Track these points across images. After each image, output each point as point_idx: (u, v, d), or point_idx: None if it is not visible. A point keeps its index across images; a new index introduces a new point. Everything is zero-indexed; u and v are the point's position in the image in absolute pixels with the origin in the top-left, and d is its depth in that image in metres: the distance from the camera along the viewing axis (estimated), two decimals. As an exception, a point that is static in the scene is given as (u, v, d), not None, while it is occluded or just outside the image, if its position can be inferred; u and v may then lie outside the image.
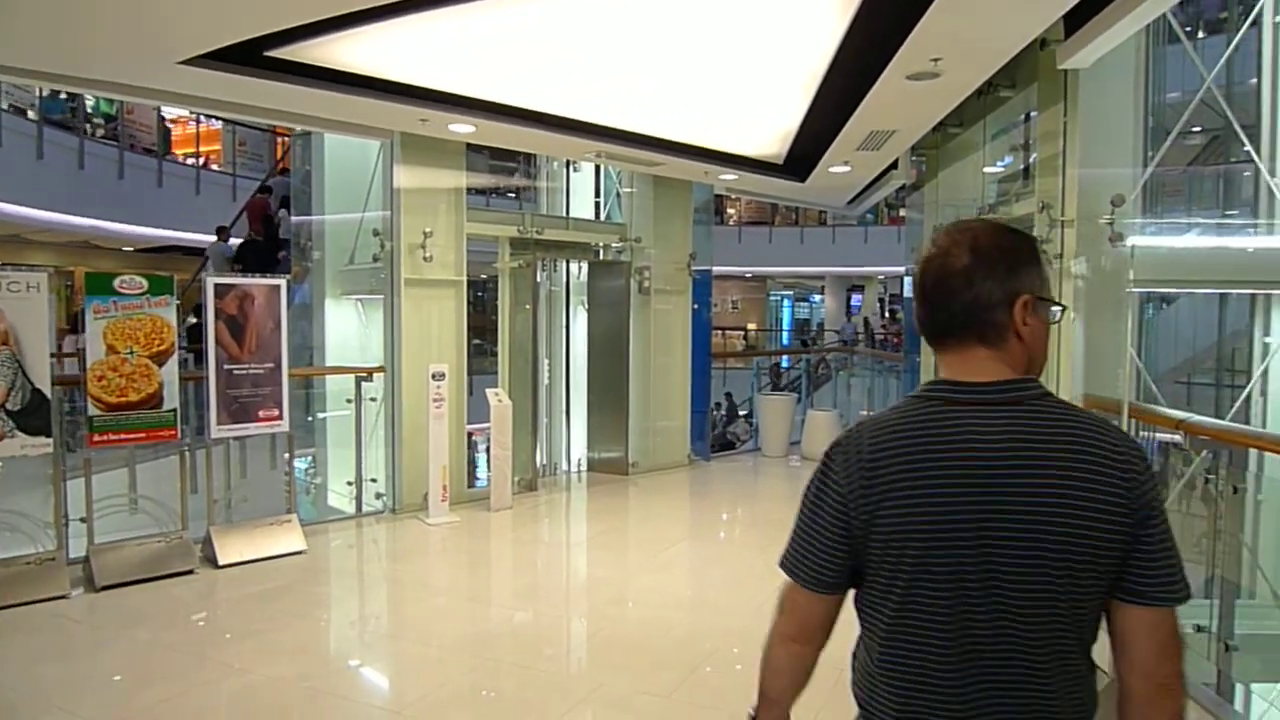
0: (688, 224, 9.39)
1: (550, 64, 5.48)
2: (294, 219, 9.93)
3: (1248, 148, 5.22)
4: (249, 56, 5.09)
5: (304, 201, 9.04)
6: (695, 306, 9.56)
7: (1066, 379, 4.91)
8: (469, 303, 7.69)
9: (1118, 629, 1.29)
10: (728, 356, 20.45)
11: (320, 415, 8.28)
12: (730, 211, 25.65)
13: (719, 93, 6.12)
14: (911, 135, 6.59)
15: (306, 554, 6.09)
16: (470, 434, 8.15)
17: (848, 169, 7.77)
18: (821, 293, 30.89)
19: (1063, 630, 1.26)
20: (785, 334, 33.04)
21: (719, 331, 24.77)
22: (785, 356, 21.67)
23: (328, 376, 7.98)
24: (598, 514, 7.84)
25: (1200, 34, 7.52)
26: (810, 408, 10.96)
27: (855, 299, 29.55)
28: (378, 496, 7.32)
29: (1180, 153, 7.12)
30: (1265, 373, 5.16)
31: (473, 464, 8.83)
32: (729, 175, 8.43)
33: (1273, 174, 5.19)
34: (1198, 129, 6.32)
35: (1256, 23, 5.52)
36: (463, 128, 6.59)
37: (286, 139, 13.19)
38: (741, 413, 15.21)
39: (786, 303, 34.00)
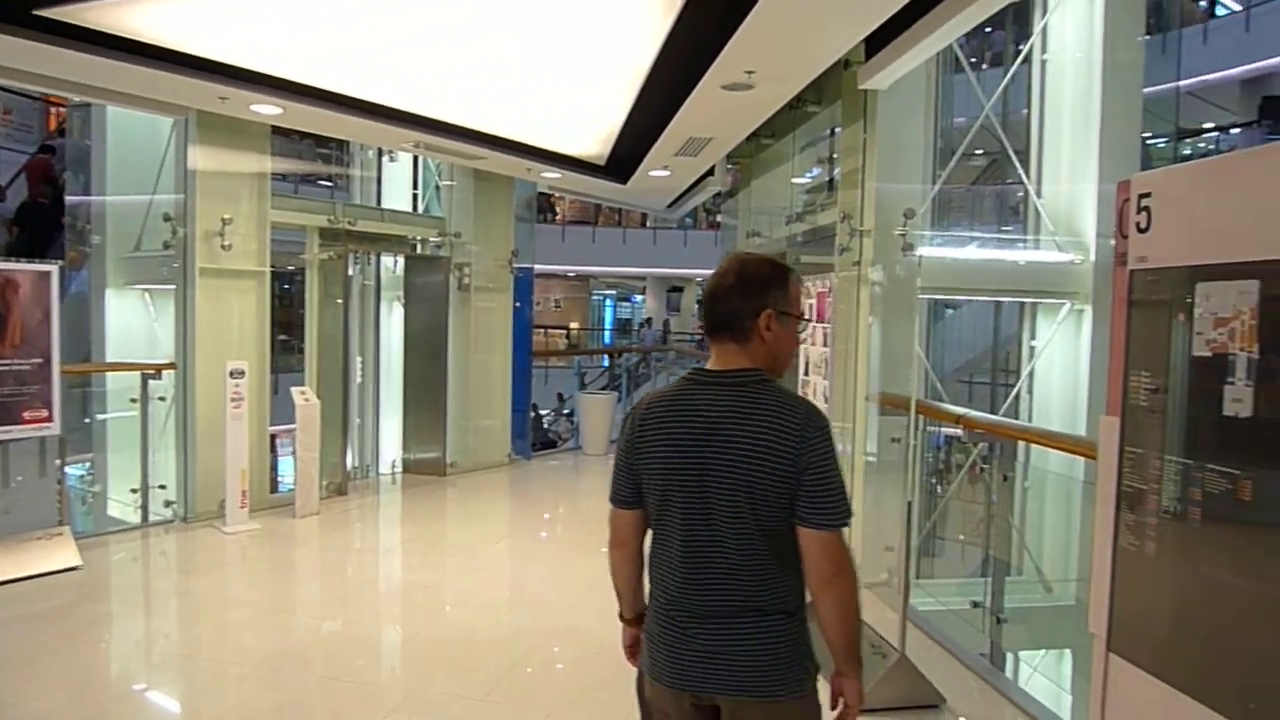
0: (510, 220, 9.29)
1: (368, 47, 5.25)
2: (69, 199, 8.95)
3: (1020, 171, 5.80)
4: (11, 13, 4.54)
5: (81, 179, 8.16)
6: (517, 304, 9.47)
7: (864, 377, 5.27)
8: (274, 296, 7.22)
9: (800, 545, 1.85)
10: (550, 355, 20.44)
11: (101, 417, 7.51)
12: (555, 210, 25.67)
13: (543, 90, 6.09)
14: (727, 143, 6.83)
15: (82, 570, 5.50)
16: (274, 436, 7.67)
17: (667, 173, 7.95)
18: (643, 293, 31.51)
19: (754, 539, 1.84)
20: (607, 333, 33.44)
21: (541, 330, 24.70)
22: (605, 356, 21.92)
23: (109, 374, 7.26)
24: (413, 517, 7.60)
25: (985, 66, 8.30)
26: (630, 405, 11.14)
27: (673, 300, 30.33)
28: (167, 505, 6.74)
29: (965, 172, 7.82)
30: (1032, 373, 5.75)
31: (276, 468, 8.31)
32: (552, 173, 8.41)
33: (1039, 195, 5.78)
34: (980, 151, 6.94)
35: (1028, 59, 6.13)
36: (267, 109, 6.18)
37: (62, 109, 11.87)
38: (564, 411, 15.25)
39: (609, 302, 34.42)
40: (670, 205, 10.34)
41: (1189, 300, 2.13)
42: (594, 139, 7.40)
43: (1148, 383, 2.28)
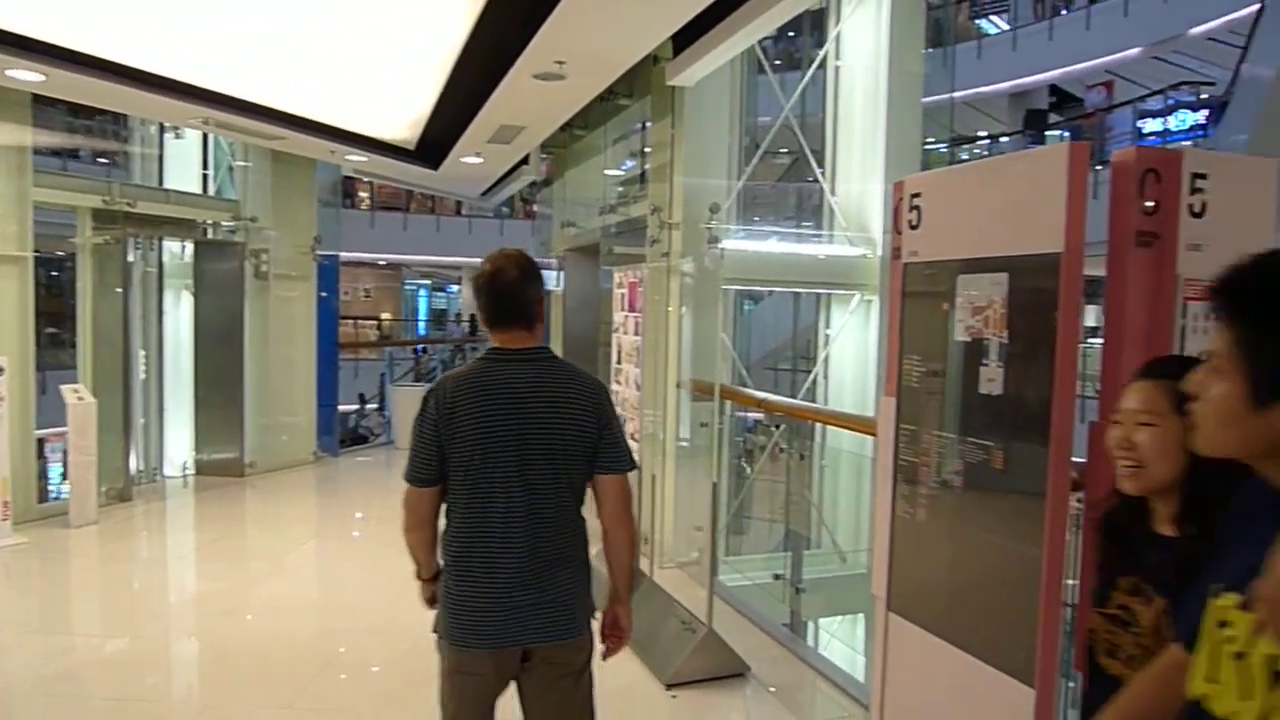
0: (312, 205, 8.82)
1: (148, 10, 4.81)
2: None
3: (815, 170, 6.17)
4: None
5: None
6: (322, 294, 9.02)
7: (674, 365, 5.45)
8: (40, 284, 6.50)
9: (597, 491, 2.18)
10: (359, 347, 19.62)
11: None
12: (362, 195, 24.58)
13: (347, 70, 5.83)
14: (540, 132, 6.82)
15: None
16: (42, 440, 6.90)
17: (480, 160, 7.83)
18: (459, 283, 30.84)
19: (565, 495, 2.13)
20: (422, 324, 32.50)
21: (350, 321, 23.64)
22: (419, 346, 21.31)
23: None
24: (208, 521, 7.09)
25: (791, 69, 8.69)
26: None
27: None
28: (-93, 520, 5.92)
29: (771, 170, 8.23)
30: (827, 359, 6.15)
31: (46, 475, 7.48)
32: (357, 156, 8.06)
33: (834, 193, 6.18)
34: (785, 150, 7.31)
35: (823, 65, 6.51)
36: (27, 75, 5.53)
37: None
38: (371, 406, 14.68)
39: (423, 292, 33.45)
40: (485, 193, 10.20)
41: (952, 291, 2.36)
42: (403, 122, 7.16)
43: (919, 366, 2.51)
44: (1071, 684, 2.27)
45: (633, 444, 4.63)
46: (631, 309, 4.61)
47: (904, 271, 2.55)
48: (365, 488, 8.42)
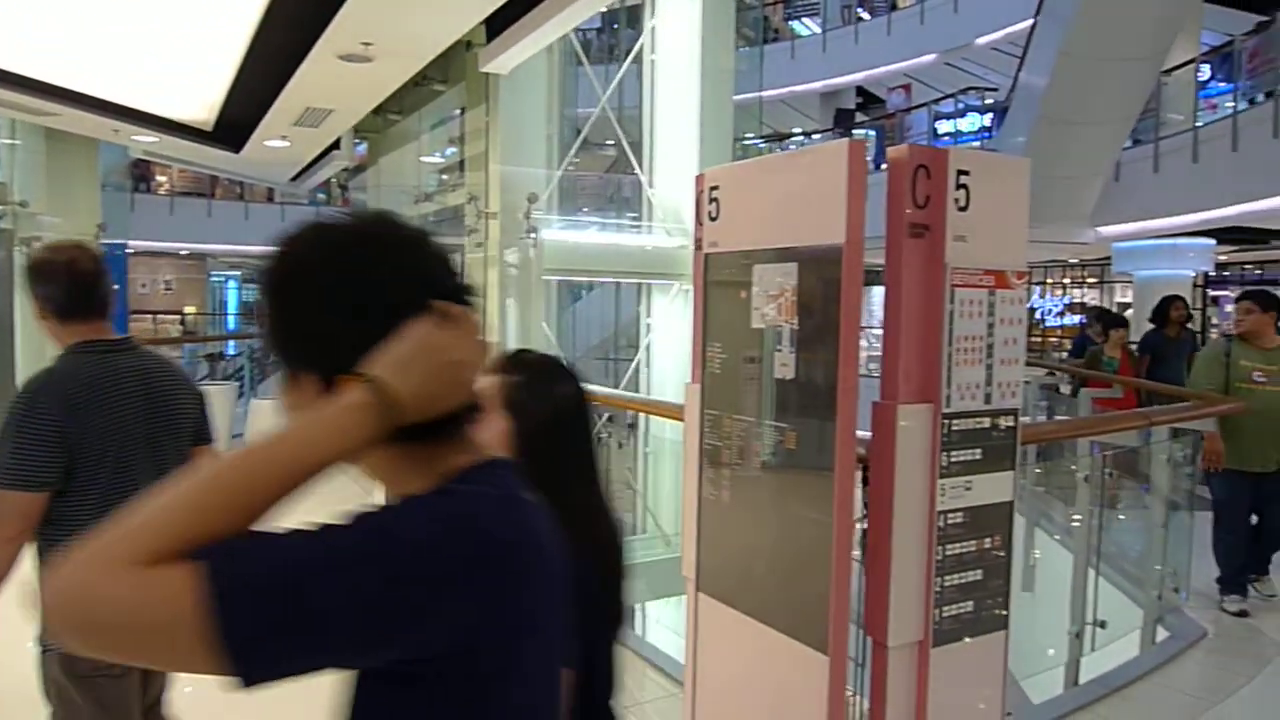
0: (95, 189, 8.05)
1: None
2: None
3: (633, 162, 6.25)
4: None
5: None
6: (113, 286, 8.24)
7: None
8: None
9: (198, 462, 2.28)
10: (160, 343, 18.14)
11: None
12: (161, 179, 22.68)
13: (128, 41, 5.33)
14: (350, 116, 6.53)
15: None
16: None
17: (286, 144, 7.41)
18: (272, 274, 29.04)
19: (179, 466, 2.20)
20: (232, 318, 30.46)
21: (147, 316, 21.82)
22: (231, 342, 19.95)
23: None
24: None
25: (616, 61, 8.73)
26: (255, 397, 10.28)
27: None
28: None
29: (598, 161, 8.26)
30: (649, 348, 6.27)
31: None
32: (147, 137, 7.42)
33: (651, 185, 6.28)
34: (611, 142, 7.36)
35: (639, 58, 6.60)
36: None
37: None
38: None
39: (233, 284, 31.35)
40: (294, 179, 9.66)
41: (748, 280, 2.45)
42: (198, 102, 6.65)
43: (721, 353, 2.59)
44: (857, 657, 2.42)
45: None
46: (447, 300, 4.49)
47: (705, 262, 2.62)
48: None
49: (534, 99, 5.70)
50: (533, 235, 4.29)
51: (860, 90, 24.44)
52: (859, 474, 2.27)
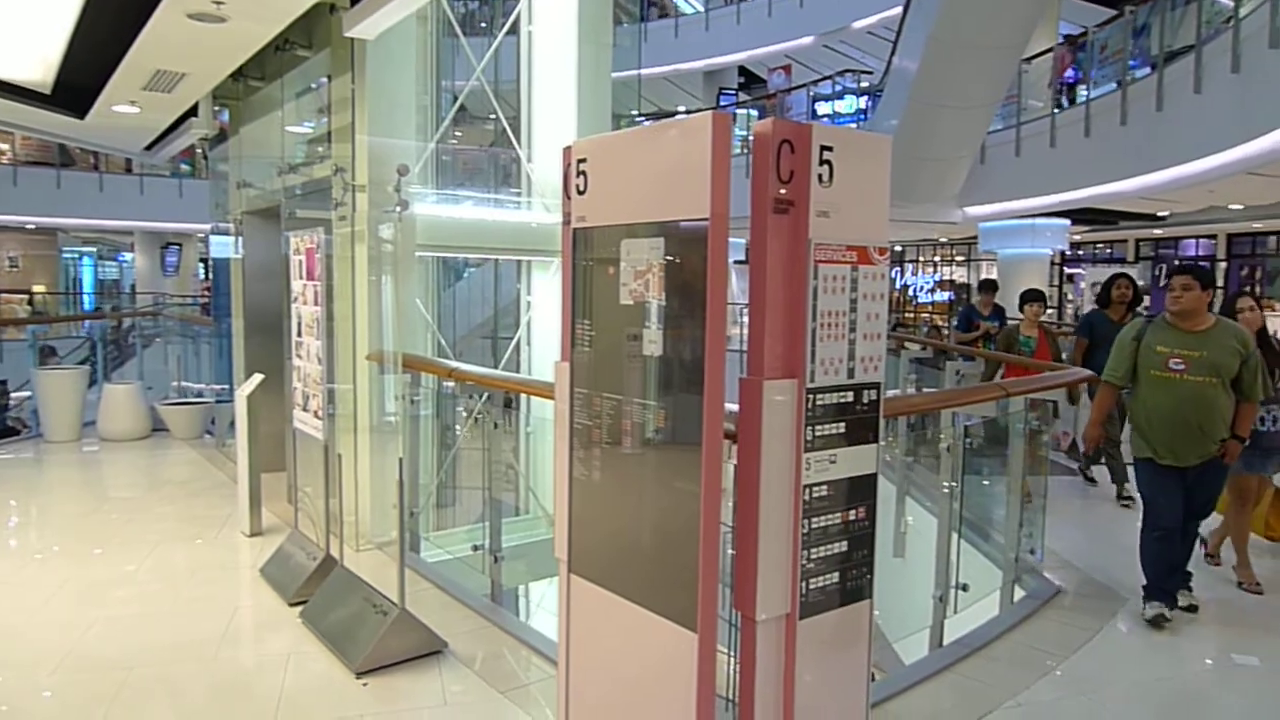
0: (-86, 156, 7.27)
1: None
2: None
3: (511, 136, 6.09)
4: None
5: None
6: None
7: (364, 336, 5.14)
8: None
9: None
10: (5, 325, 16.72)
11: None
12: (2, 147, 20.87)
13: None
14: (206, 81, 6.12)
15: None
16: None
17: (136, 110, 6.88)
18: (132, 250, 27.25)
19: None
20: (88, 297, 28.45)
21: (-11, 295, 20.12)
22: (87, 322, 18.58)
23: None
24: None
25: (492, 33, 8.45)
26: (108, 382, 9.61)
27: (169, 259, 26.73)
28: None
29: (481, 135, 8.01)
30: (529, 325, 6.15)
31: None
32: (-29, 99, 6.76)
33: (530, 160, 6.14)
34: (494, 115, 7.13)
35: (516, 30, 6.42)
36: None
37: None
38: (24, 393, 12.56)
39: (88, 261, 29.24)
40: (149, 148, 9.01)
41: (617, 256, 2.40)
42: (33, 59, 6.09)
43: (590, 330, 2.54)
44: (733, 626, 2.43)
45: (316, 422, 4.32)
46: (310, 277, 4.27)
47: (574, 237, 2.56)
48: (4, 490, 7.18)
49: (406, 68, 5.46)
50: (397, 210, 4.10)
51: (743, 70, 24.74)
52: (728, 450, 2.28)
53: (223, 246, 7.95)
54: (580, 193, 2.52)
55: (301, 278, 4.34)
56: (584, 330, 2.55)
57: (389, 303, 5.31)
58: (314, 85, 6.17)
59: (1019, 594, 4.61)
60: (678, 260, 2.23)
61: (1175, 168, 10.03)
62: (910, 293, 25.14)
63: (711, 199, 2.11)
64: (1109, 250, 21.40)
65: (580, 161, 2.52)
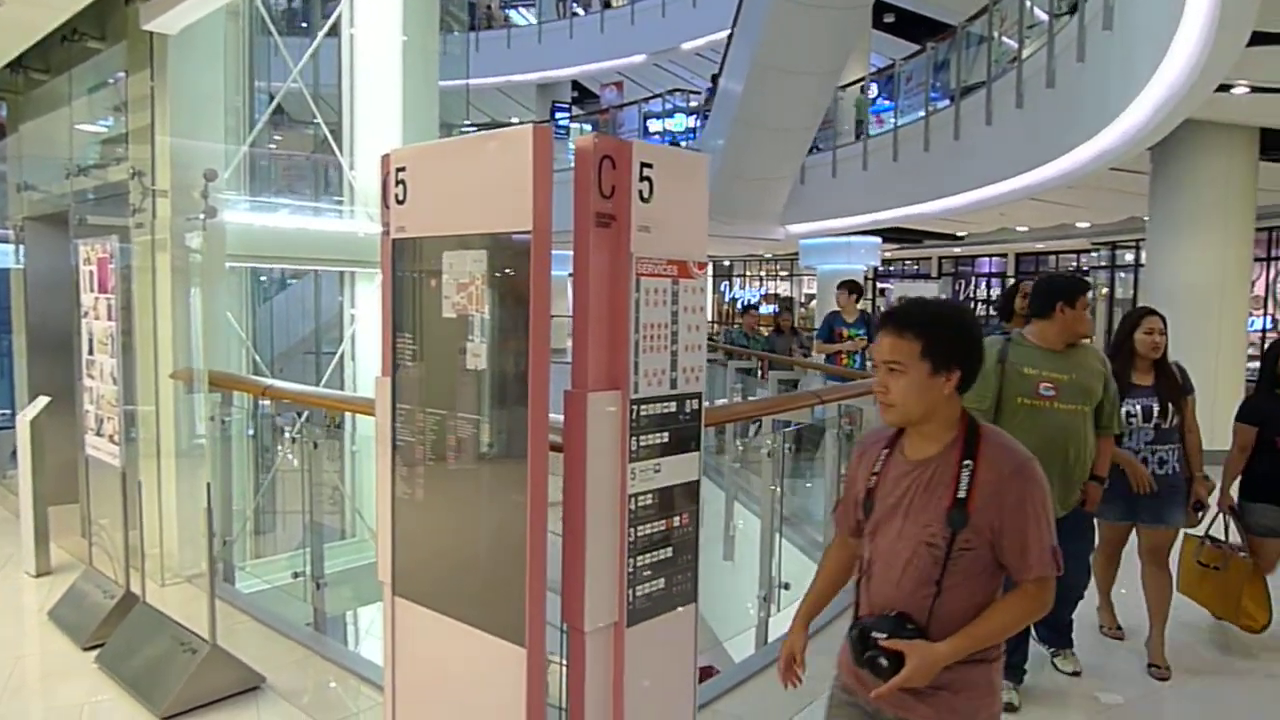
0: None
1: None
2: None
3: (331, 142, 5.85)
4: None
5: None
6: None
7: (167, 353, 4.76)
8: None
9: None
10: None
11: None
12: None
13: None
14: (-21, 71, 5.51)
15: None
16: None
17: (-108, 100, 6.11)
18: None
19: None
20: None
21: None
22: None
23: None
24: None
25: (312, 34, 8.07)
26: None
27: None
28: None
29: (304, 140, 7.63)
30: (353, 339, 5.92)
31: None
32: None
33: (353, 168, 5.92)
34: (319, 121, 6.81)
35: (337, 32, 6.18)
36: None
37: None
38: None
39: None
40: (-90, 143, 7.99)
41: (439, 268, 2.36)
42: None
43: (411, 344, 2.47)
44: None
45: (112, 447, 3.95)
46: (103, 289, 3.91)
47: (393, 247, 2.49)
48: None
49: (214, 66, 5.12)
50: (202, 217, 3.84)
51: (576, 84, 24.95)
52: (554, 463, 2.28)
53: (0, 255, 7.17)
54: (400, 202, 2.46)
55: (93, 290, 3.97)
56: (405, 344, 2.48)
57: (197, 317, 4.95)
58: (110, 80, 5.69)
59: (838, 590, 4.86)
60: (501, 273, 2.21)
61: (971, 192, 10.98)
62: (739, 305, 26.14)
63: (534, 212, 2.11)
64: (916, 266, 23.12)
65: (399, 170, 2.45)
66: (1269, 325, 13.07)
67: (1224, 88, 6.56)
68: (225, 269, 4.63)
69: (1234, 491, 4.30)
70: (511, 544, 2.19)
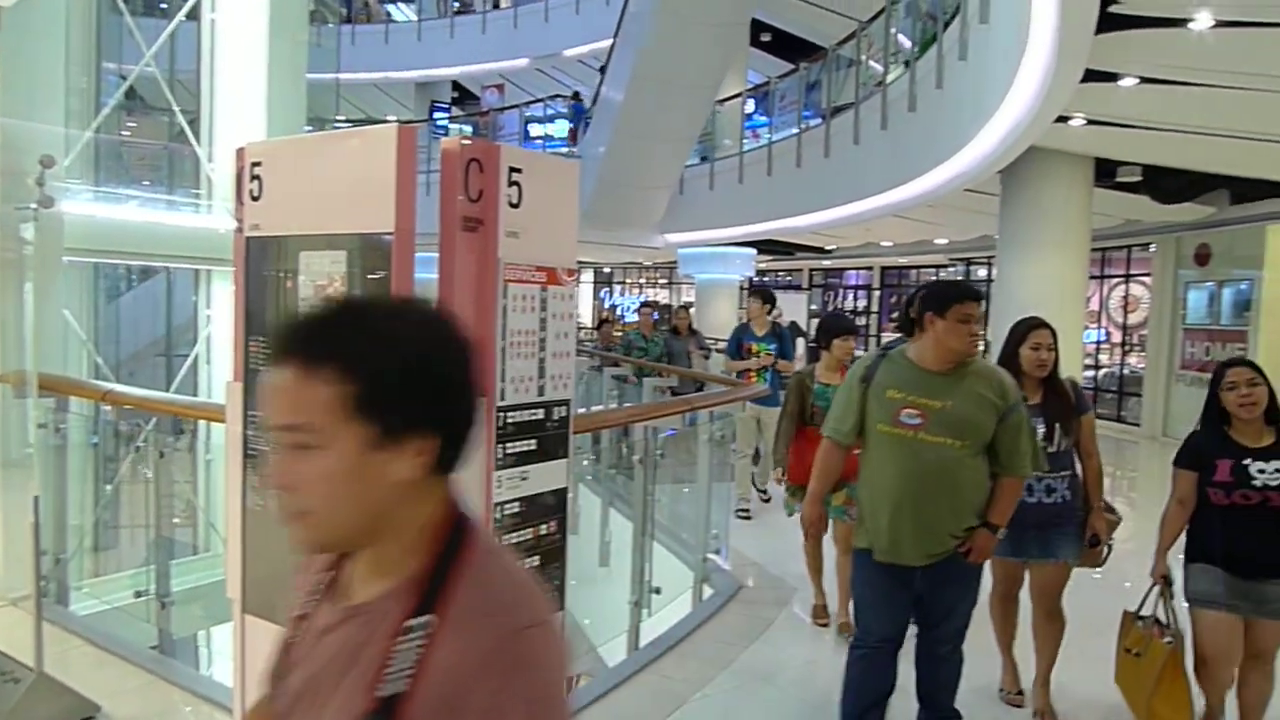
0: None
1: None
2: None
3: (187, 131, 5.53)
4: None
5: None
6: None
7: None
8: None
9: None
10: None
11: None
12: None
13: None
14: None
15: None
16: None
17: None
18: None
19: None
20: None
21: None
22: None
23: None
24: None
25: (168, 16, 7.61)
26: None
27: None
28: None
29: (160, 128, 7.16)
30: (208, 341, 5.60)
31: None
32: None
33: (211, 160, 5.61)
34: (179, 109, 6.40)
35: (197, 15, 5.85)
36: None
37: None
38: None
39: None
40: None
41: (295, 268, 2.25)
42: None
43: (265, 347, 2.35)
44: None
45: (-76, 456, 3.58)
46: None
47: (246, 246, 2.37)
48: None
49: (54, 44, 4.74)
50: (33, 207, 3.54)
51: (457, 85, 24.53)
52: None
53: None
54: (255, 198, 2.34)
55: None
56: (259, 347, 2.36)
57: (28, 315, 4.56)
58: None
59: (708, 592, 4.94)
60: (362, 275, 2.13)
61: (839, 208, 11.42)
62: (618, 312, 26.31)
63: (396, 213, 2.05)
64: (789, 277, 23.87)
65: (255, 165, 2.34)
66: (1103, 337, 14.17)
67: (1063, 119, 7.07)
68: (63, 263, 4.28)
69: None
70: (370, 556, 2.11)
